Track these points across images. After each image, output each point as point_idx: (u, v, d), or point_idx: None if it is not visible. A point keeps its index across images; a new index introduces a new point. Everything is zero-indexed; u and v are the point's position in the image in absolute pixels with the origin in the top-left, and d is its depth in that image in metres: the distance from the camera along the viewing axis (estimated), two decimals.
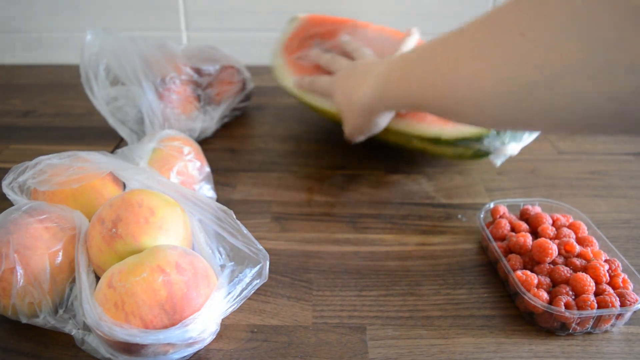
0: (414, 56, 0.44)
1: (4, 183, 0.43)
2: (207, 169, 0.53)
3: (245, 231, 0.41)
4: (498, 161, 0.57)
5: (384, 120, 0.55)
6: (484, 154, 0.57)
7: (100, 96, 0.62)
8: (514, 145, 0.56)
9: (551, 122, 0.32)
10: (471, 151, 0.57)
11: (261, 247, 0.40)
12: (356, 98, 0.52)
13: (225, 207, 0.41)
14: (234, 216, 0.41)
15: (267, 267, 0.39)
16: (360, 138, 0.59)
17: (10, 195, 0.43)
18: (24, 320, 0.38)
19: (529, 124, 0.35)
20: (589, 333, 0.40)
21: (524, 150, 0.68)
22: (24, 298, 0.37)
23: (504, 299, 0.44)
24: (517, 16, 0.31)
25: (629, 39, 0.25)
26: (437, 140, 0.57)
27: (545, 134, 0.54)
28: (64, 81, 0.91)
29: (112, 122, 0.63)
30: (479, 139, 0.55)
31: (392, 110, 0.54)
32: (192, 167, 0.51)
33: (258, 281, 0.39)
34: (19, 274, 0.37)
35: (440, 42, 0.40)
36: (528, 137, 0.57)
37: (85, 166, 0.43)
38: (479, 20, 0.36)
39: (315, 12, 0.92)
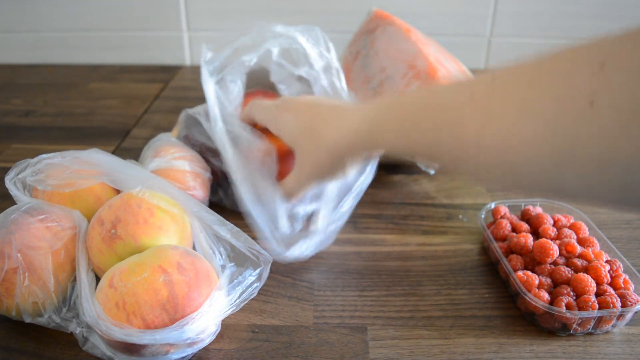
0: (421, 100, 0.36)
1: (7, 177, 0.43)
2: (208, 174, 0.53)
3: (246, 235, 0.41)
4: (430, 171, 0.60)
5: (353, 166, 0.45)
6: None
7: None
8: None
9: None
10: None
11: (263, 250, 0.40)
12: (328, 133, 0.42)
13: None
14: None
15: (268, 270, 0.40)
16: (304, 191, 0.46)
17: (12, 190, 0.43)
18: (27, 320, 0.38)
19: (566, 194, 0.28)
20: (590, 334, 0.40)
21: None
22: (27, 298, 0.37)
23: (505, 300, 0.44)
24: (588, 78, 0.24)
25: None
26: None
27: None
28: (65, 81, 0.91)
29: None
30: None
31: (377, 154, 0.44)
32: (191, 179, 0.50)
33: (258, 284, 0.39)
34: (22, 273, 0.37)
35: (461, 88, 0.33)
36: None
37: (82, 169, 0.43)
38: (522, 70, 0.28)
39: (315, 12, 0.92)
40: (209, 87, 0.50)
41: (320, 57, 0.52)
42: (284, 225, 0.47)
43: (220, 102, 0.51)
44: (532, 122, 0.26)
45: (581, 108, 0.24)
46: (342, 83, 0.52)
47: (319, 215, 0.47)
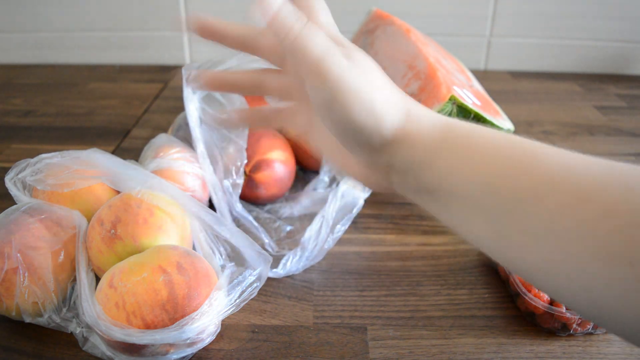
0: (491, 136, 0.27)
1: (7, 177, 0.43)
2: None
3: (245, 235, 0.41)
4: None
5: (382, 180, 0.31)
6: None
7: None
8: None
9: None
10: None
11: (262, 250, 0.40)
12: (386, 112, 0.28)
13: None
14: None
15: (268, 270, 0.40)
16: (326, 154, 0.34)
17: (12, 190, 0.43)
18: (27, 320, 0.38)
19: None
20: (590, 334, 0.40)
21: None
22: (27, 298, 0.37)
23: (505, 300, 0.44)
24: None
25: None
26: None
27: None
28: (65, 81, 0.91)
29: None
30: None
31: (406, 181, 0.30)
32: (191, 180, 0.51)
33: (258, 284, 0.39)
34: (22, 273, 0.37)
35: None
36: None
37: (82, 169, 0.43)
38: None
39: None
40: (192, 107, 0.50)
41: None
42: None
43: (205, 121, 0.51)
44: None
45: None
46: None
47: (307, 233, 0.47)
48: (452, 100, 0.54)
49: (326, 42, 0.28)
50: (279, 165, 0.53)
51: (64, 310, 0.39)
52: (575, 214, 0.23)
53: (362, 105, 0.27)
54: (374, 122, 0.27)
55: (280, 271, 0.45)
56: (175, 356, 0.36)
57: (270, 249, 0.48)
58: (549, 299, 0.40)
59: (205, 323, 0.35)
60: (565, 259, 0.23)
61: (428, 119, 0.29)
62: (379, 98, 0.28)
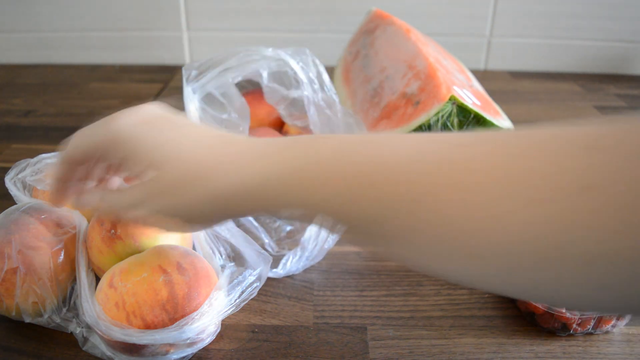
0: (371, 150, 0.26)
1: (7, 177, 0.44)
2: None
3: (245, 235, 0.41)
4: None
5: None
6: None
7: None
8: None
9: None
10: None
11: (262, 250, 0.40)
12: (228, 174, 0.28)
13: None
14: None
15: (268, 270, 0.40)
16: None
17: (12, 190, 0.43)
18: (27, 320, 0.38)
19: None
20: (590, 334, 0.40)
21: None
22: (27, 298, 0.37)
23: (504, 300, 0.44)
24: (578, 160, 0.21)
25: None
26: None
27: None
28: (65, 81, 0.91)
29: None
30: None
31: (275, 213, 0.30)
32: None
33: (258, 284, 0.39)
34: (22, 273, 0.37)
35: (427, 146, 0.25)
36: None
37: None
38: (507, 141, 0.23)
39: (315, 12, 0.92)
40: (192, 107, 0.50)
41: (310, 82, 0.51)
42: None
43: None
44: (522, 205, 0.21)
45: (573, 193, 0.20)
46: (337, 102, 0.51)
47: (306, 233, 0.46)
48: (452, 100, 0.54)
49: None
50: None
51: (64, 310, 0.39)
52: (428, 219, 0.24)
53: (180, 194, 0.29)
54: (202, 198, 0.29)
55: (280, 271, 0.45)
56: (175, 356, 0.36)
57: (270, 249, 0.48)
58: None
59: (205, 323, 0.35)
60: (433, 262, 0.25)
61: (266, 158, 0.28)
62: (199, 173, 0.29)
